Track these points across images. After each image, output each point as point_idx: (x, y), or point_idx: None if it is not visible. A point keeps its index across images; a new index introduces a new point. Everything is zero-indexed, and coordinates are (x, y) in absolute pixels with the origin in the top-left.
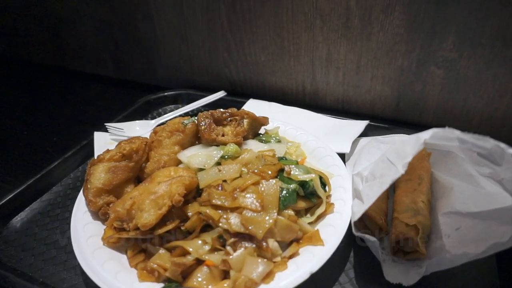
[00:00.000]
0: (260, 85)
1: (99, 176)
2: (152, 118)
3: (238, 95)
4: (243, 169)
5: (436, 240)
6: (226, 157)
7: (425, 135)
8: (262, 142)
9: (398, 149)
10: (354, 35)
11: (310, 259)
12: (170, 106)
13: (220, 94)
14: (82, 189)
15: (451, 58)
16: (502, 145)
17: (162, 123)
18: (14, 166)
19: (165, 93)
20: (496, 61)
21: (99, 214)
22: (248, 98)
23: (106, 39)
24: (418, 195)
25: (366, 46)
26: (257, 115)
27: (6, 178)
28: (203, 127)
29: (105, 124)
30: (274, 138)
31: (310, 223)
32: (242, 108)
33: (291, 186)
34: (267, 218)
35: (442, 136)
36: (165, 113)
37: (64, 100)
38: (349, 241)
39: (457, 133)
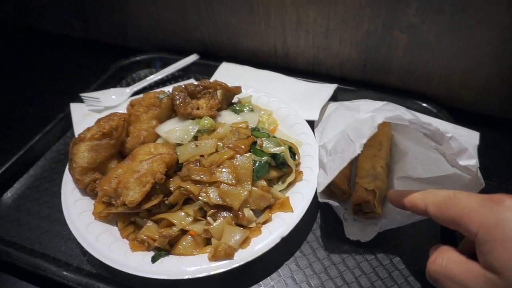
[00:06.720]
0: (233, 48)
1: (82, 155)
2: (127, 85)
3: (211, 58)
4: (218, 143)
5: None
6: (202, 131)
7: (379, 119)
8: (235, 112)
9: (356, 128)
10: None
11: (281, 224)
12: (144, 70)
13: (193, 57)
14: (67, 167)
15: (414, 24)
16: (442, 130)
17: (138, 91)
18: None
19: (137, 58)
20: (455, 28)
21: (87, 190)
22: (221, 61)
23: None
24: (377, 160)
25: (334, 10)
26: (231, 78)
27: None
28: (178, 101)
29: (81, 94)
30: (247, 107)
31: (281, 190)
32: (216, 71)
33: (263, 158)
34: (242, 190)
35: (394, 118)
36: (139, 78)
37: (31, 64)
38: (316, 204)
39: (406, 117)
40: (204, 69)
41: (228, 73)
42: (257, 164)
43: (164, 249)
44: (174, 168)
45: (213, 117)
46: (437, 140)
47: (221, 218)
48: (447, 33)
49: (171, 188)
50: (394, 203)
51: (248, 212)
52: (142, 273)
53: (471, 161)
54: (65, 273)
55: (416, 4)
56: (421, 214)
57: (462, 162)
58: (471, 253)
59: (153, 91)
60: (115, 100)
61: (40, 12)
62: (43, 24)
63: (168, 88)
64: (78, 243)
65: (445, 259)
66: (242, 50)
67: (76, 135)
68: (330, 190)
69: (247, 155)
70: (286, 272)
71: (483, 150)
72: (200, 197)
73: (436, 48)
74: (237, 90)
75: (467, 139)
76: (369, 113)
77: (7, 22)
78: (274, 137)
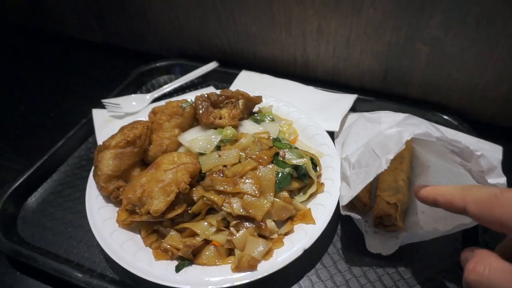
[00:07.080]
0: (252, 56)
1: (107, 163)
2: (147, 91)
3: (230, 65)
4: (241, 153)
5: (412, 214)
6: (224, 141)
7: (406, 135)
8: (257, 122)
9: (382, 143)
10: (344, 9)
11: (303, 236)
12: (164, 76)
13: (213, 65)
14: (91, 174)
15: (437, 36)
16: (472, 147)
17: (157, 98)
18: (17, 144)
19: (158, 64)
20: (479, 40)
21: (111, 197)
22: (240, 69)
23: (89, 2)
24: (399, 173)
25: (357, 21)
26: (250, 86)
27: (12, 157)
28: (200, 111)
29: (102, 100)
30: (268, 117)
31: (302, 202)
32: (235, 79)
33: (286, 170)
34: (264, 202)
35: (422, 135)
36: (159, 84)
37: (52, 68)
38: (337, 215)
39: (434, 134)
40: (223, 76)
41: (247, 81)
42: (279, 175)
43: (188, 258)
44: (197, 177)
45: (235, 126)
46: (464, 157)
47: (244, 229)
48: (470, 45)
49: (194, 198)
50: (422, 198)
51: (270, 223)
52: (167, 282)
53: (500, 179)
54: (90, 279)
55: (440, 16)
56: (458, 213)
57: (491, 180)
58: None
59: (175, 99)
60: (135, 106)
61: (60, 17)
62: (64, 29)
63: (188, 95)
64: (101, 250)
65: (487, 267)
66: (262, 58)
67: (98, 141)
68: (351, 202)
69: (270, 166)
70: (308, 284)
71: (505, 164)
72: (223, 207)
73: (458, 61)
74: (258, 99)
75: (490, 153)
76: (394, 128)
77: (28, 27)
78: (296, 148)
